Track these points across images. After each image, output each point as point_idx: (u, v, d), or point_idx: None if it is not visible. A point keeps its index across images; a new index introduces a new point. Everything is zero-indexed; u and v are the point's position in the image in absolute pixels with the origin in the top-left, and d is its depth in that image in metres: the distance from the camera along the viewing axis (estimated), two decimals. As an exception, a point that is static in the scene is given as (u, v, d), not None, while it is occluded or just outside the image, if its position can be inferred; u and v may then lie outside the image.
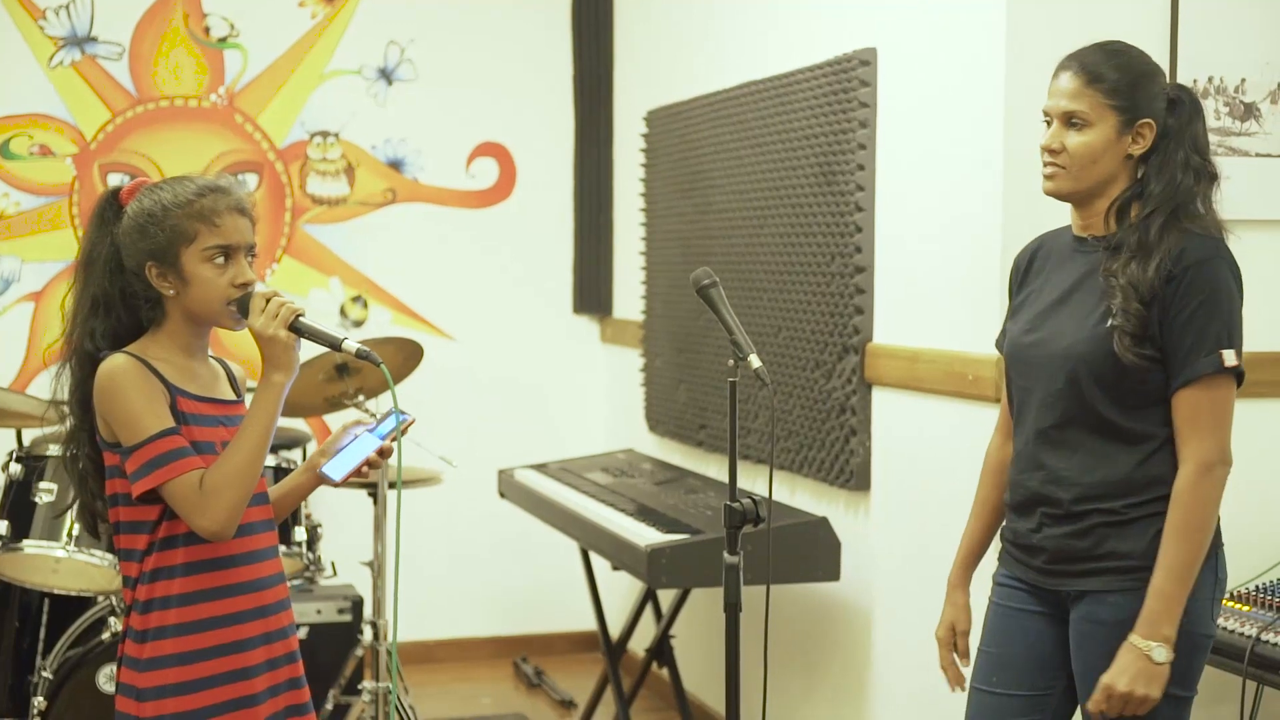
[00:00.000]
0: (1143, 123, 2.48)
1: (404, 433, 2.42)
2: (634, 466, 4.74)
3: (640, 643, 4.63)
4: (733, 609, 2.44)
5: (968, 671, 2.74)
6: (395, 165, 5.64)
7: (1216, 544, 2.54)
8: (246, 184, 5.44)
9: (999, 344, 2.73)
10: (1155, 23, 3.23)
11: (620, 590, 5.19)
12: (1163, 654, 2.40)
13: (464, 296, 5.73)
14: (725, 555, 2.44)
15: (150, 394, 2.28)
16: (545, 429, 5.76)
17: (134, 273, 2.34)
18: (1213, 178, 2.52)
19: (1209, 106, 3.24)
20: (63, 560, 3.75)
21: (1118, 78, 2.48)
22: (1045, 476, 2.54)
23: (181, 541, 2.31)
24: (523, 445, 5.53)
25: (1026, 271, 2.68)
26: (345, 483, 2.43)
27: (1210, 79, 3.25)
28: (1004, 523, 2.70)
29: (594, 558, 4.35)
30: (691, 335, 4.80)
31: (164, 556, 2.32)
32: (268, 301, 2.31)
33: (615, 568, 3.93)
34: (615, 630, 4.61)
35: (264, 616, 2.39)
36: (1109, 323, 2.44)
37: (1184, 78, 3.22)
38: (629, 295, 5.56)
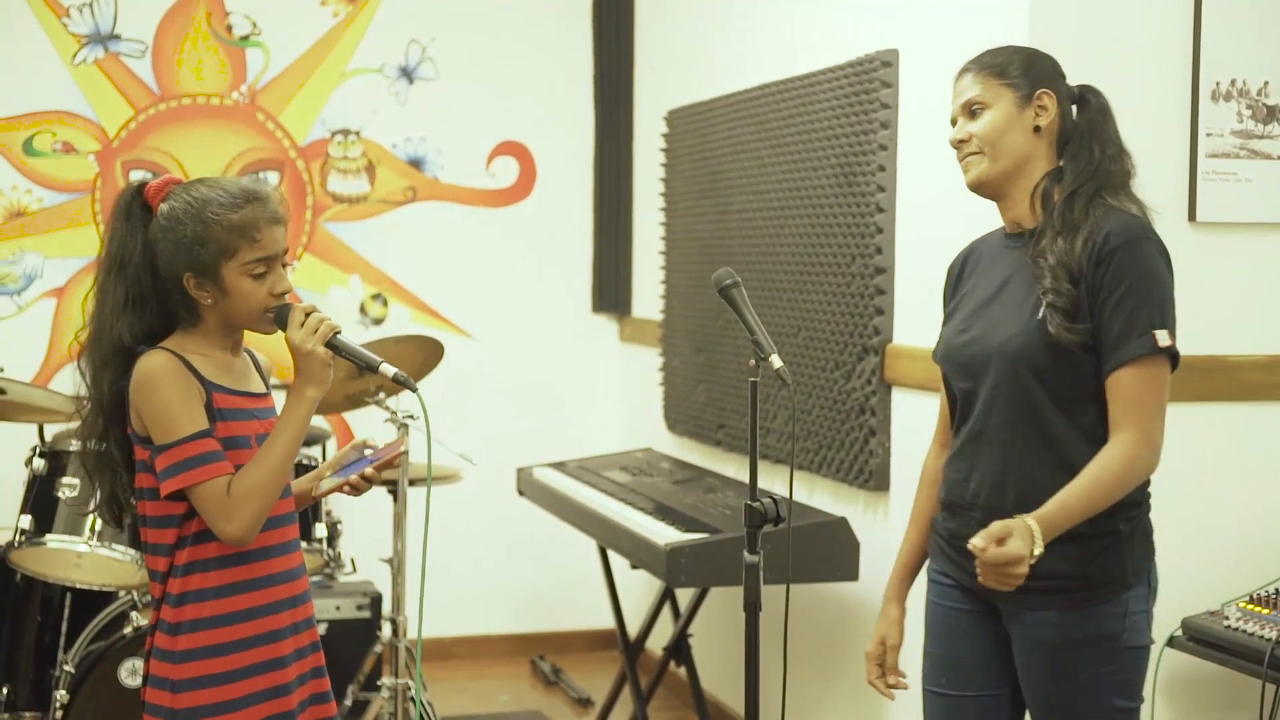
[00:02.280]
0: (1040, 92, 2.51)
1: (392, 464, 2.46)
2: (652, 465, 4.75)
3: (658, 641, 4.64)
4: (752, 608, 2.44)
5: (916, 678, 2.70)
6: (416, 164, 5.66)
7: (1150, 553, 2.50)
8: (270, 182, 5.46)
9: (936, 355, 2.69)
10: (1178, 25, 3.23)
11: (638, 589, 5.20)
12: (1040, 546, 2.30)
13: (483, 295, 5.75)
14: (745, 554, 2.44)
15: (187, 394, 2.30)
16: (563, 427, 5.77)
17: (170, 280, 2.35)
18: (1129, 172, 2.53)
19: (1231, 109, 3.24)
20: (85, 555, 3.77)
21: (1005, 60, 2.53)
22: (983, 479, 2.50)
23: (214, 534, 2.33)
24: (541, 443, 5.54)
25: (959, 278, 2.67)
26: (325, 495, 2.51)
27: (1233, 81, 3.24)
28: (937, 517, 2.65)
29: (612, 556, 4.36)
30: (710, 335, 4.81)
31: (198, 550, 2.34)
32: (307, 316, 2.33)
33: (634, 566, 3.94)
34: (633, 629, 4.62)
35: (294, 607, 2.42)
36: (1042, 308, 2.41)
37: (1206, 80, 3.22)
38: (648, 294, 5.57)
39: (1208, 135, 3.23)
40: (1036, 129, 2.50)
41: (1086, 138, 2.51)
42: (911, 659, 2.69)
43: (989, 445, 2.50)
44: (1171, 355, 2.42)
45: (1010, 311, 2.49)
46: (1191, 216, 3.24)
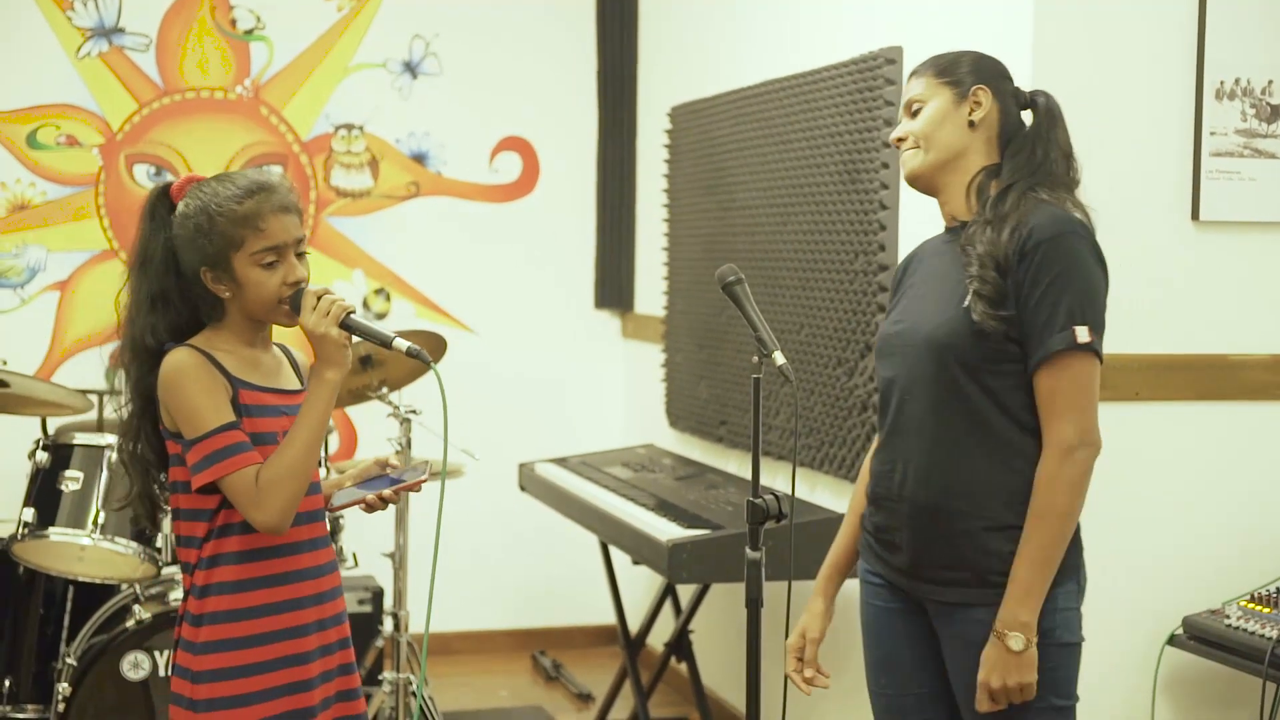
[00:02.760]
0: (976, 89, 2.52)
1: (415, 489, 2.48)
2: (654, 461, 4.75)
3: (659, 637, 4.64)
4: (754, 604, 2.44)
5: (856, 676, 2.69)
6: (419, 159, 5.67)
7: (1078, 550, 2.47)
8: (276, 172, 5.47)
9: (875, 351, 2.69)
10: (1183, 24, 3.23)
11: (640, 585, 5.20)
12: (1019, 642, 2.35)
13: (486, 290, 5.75)
14: (747, 551, 2.44)
15: (211, 388, 2.32)
16: (566, 423, 5.77)
17: (190, 276, 2.37)
18: (1074, 175, 2.52)
19: (1235, 108, 3.24)
20: (88, 548, 3.78)
21: (948, 61, 2.56)
22: (907, 469, 2.49)
23: (236, 530, 2.35)
24: (543, 439, 5.55)
25: (902, 278, 2.68)
26: (338, 509, 2.50)
27: (1237, 80, 3.25)
28: (865, 512, 2.64)
29: (614, 552, 4.37)
30: (713, 331, 4.81)
31: (221, 543, 2.36)
32: (319, 299, 2.33)
33: (635, 562, 3.94)
34: (634, 624, 4.62)
35: (320, 603, 2.43)
36: (968, 296, 2.41)
37: (1210, 79, 3.22)
38: (651, 291, 5.57)
39: (1211, 134, 3.23)
40: (972, 124, 2.51)
41: (1029, 137, 2.52)
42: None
43: (915, 435, 2.49)
44: (1095, 351, 2.39)
45: (940, 300, 2.49)
46: (1195, 215, 3.24)
